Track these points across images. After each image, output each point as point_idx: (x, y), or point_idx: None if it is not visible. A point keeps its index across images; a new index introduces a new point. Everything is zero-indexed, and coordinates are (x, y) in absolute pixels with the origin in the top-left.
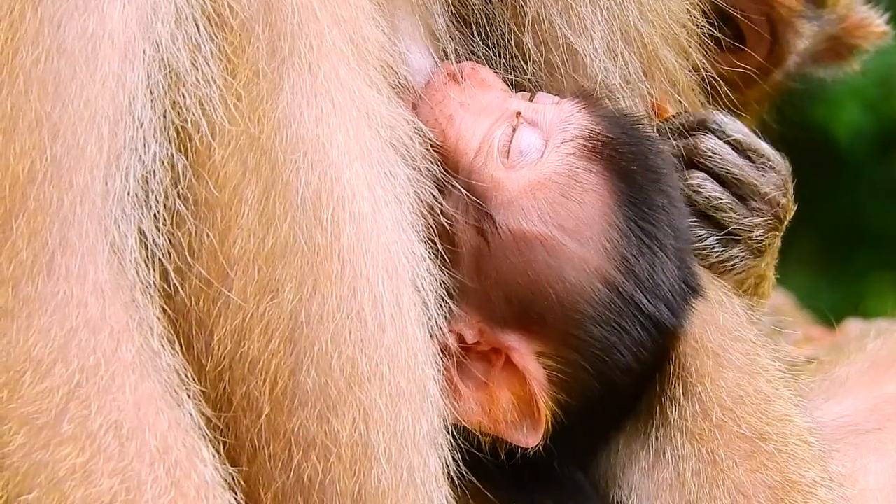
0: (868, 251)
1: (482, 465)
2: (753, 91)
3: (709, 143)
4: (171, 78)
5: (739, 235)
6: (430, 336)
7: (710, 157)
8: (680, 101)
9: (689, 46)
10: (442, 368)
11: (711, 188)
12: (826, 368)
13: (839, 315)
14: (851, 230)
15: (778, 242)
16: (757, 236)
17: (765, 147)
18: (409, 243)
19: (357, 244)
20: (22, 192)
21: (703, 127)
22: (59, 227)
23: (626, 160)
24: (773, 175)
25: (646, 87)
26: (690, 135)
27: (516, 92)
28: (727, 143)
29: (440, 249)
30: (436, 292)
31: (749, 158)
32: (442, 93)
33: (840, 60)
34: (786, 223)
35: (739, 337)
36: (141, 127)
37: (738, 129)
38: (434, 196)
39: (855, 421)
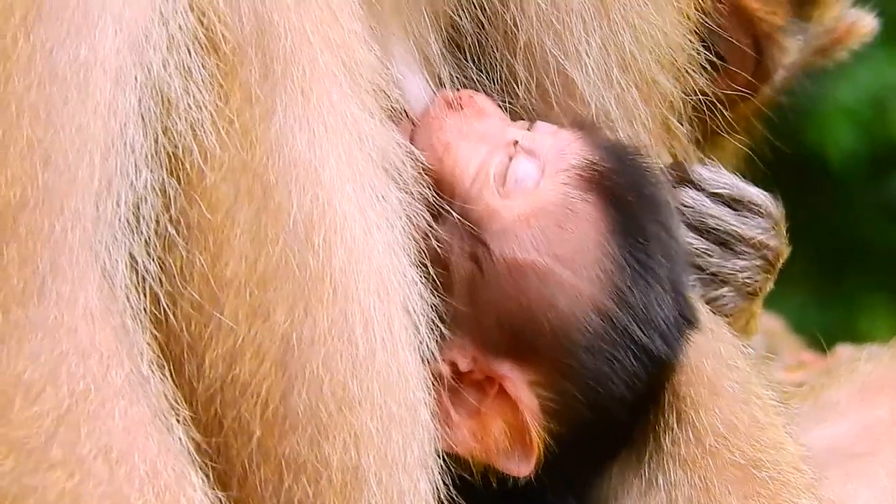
0: (861, 272)
1: (474, 490)
2: (743, 109)
3: (684, 196)
4: (163, 104)
5: (724, 278)
6: (422, 360)
7: (684, 210)
8: (673, 137)
9: (686, 69)
10: (434, 395)
11: (686, 237)
12: (817, 393)
13: (832, 336)
14: (844, 251)
15: (770, 284)
16: (744, 278)
17: (751, 192)
18: (401, 267)
19: (348, 267)
20: (13, 218)
21: (684, 180)
22: (50, 252)
23: (621, 190)
24: (760, 220)
25: (643, 112)
26: (673, 188)
27: (511, 118)
28: (709, 193)
29: (433, 275)
30: (427, 316)
31: (732, 206)
32: (439, 120)
33: (826, 60)
34: (778, 265)
35: (734, 365)
36: (132, 153)
37: (720, 180)
38: (427, 221)
39: (845, 445)
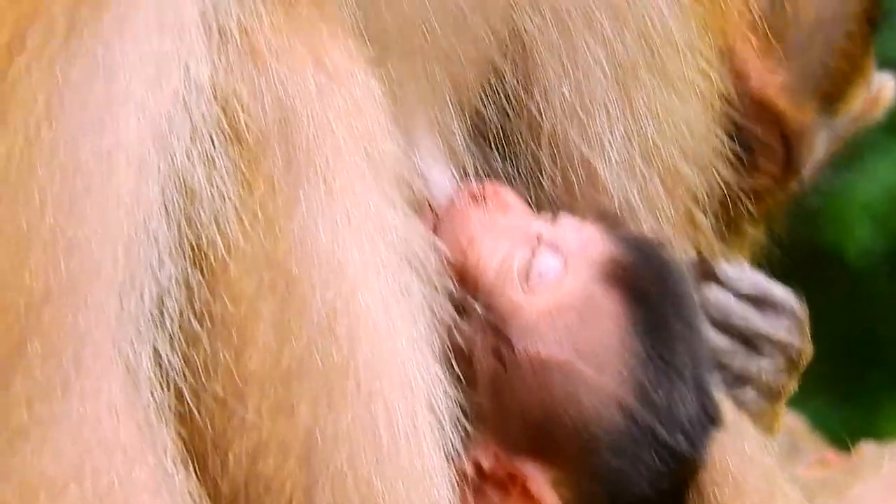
0: (881, 369)
1: None
2: (768, 201)
3: (708, 294)
4: (187, 194)
5: (749, 377)
6: (446, 458)
7: (711, 309)
8: (697, 230)
9: (710, 161)
10: (458, 494)
11: (710, 336)
12: (841, 491)
13: (851, 435)
14: (864, 348)
15: (794, 383)
16: (768, 378)
17: (775, 291)
18: (425, 362)
19: (372, 362)
20: (37, 310)
21: (709, 277)
22: (74, 346)
23: (645, 286)
24: (784, 319)
25: (666, 204)
26: (697, 286)
27: (536, 209)
28: (733, 291)
29: (456, 370)
30: (451, 412)
31: (756, 305)
32: (463, 213)
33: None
34: (802, 363)
35: (759, 463)
36: (156, 244)
37: (745, 278)
38: (451, 315)
39: None
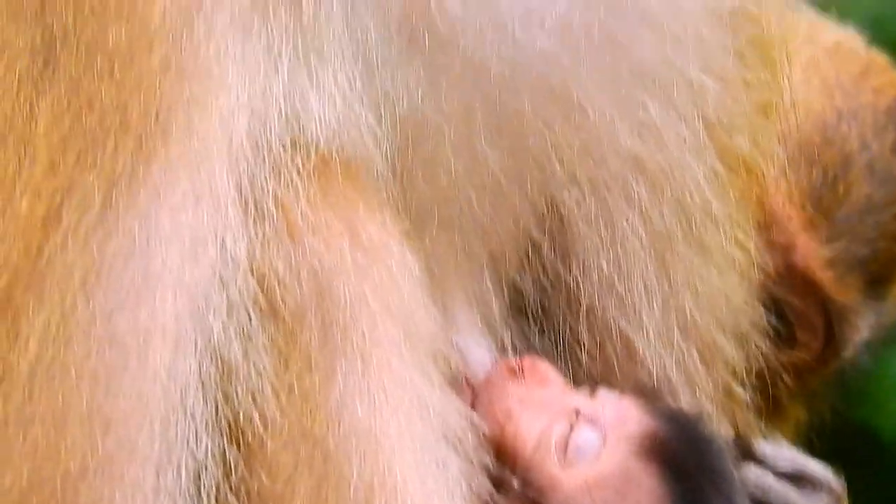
0: None
1: None
2: (808, 379)
3: (746, 472)
4: (223, 369)
5: None
6: None
7: (749, 488)
8: (736, 405)
9: (748, 335)
10: None
11: None
12: None
13: None
14: None
15: None
16: None
17: (813, 468)
18: None
19: None
20: (73, 487)
21: (746, 455)
22: None
23: (683, 461)
24: (823, 496)
25: (704, 378)
26: (736, 462)
27: (573, 382)
28: (772, 469)
29: None
30: None
31: (794, 482)
32: (500, 387)
33: None
34: None
35: None
36: (193, 420)
37: (783, 455)
38: (488, 490)
39: None
